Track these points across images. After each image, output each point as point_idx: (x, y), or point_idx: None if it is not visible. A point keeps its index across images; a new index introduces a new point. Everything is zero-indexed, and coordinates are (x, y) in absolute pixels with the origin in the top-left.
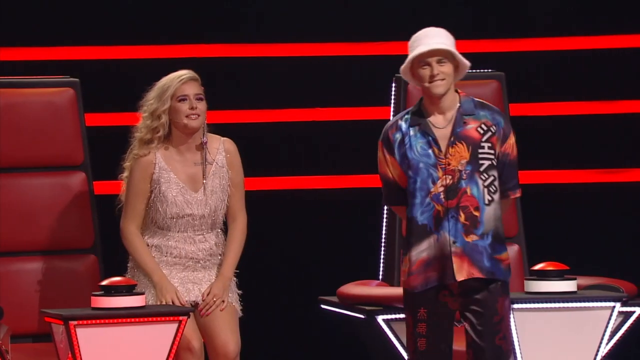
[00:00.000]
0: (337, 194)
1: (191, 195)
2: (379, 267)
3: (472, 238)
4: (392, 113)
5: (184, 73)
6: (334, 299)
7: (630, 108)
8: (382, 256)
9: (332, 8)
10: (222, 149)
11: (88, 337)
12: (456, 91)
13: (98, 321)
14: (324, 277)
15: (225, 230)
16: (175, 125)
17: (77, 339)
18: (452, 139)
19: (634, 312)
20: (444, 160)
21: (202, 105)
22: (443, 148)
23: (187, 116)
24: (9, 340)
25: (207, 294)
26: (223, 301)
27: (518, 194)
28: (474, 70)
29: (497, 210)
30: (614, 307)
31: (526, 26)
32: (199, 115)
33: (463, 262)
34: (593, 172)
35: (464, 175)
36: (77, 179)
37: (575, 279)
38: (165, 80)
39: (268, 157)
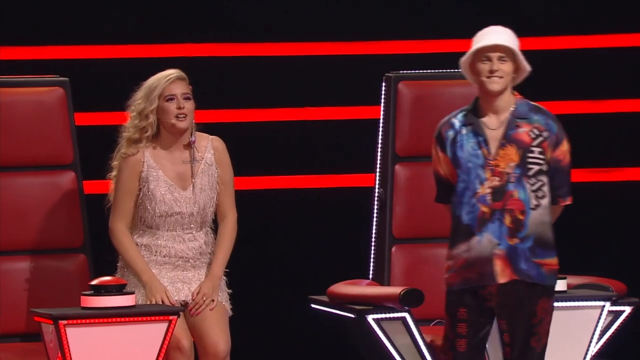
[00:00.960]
0: (327, 193)
1: (180, 193)
2: (369, 266)
3: (514, 241)
4: (382, 113)
5: (171, 72)
6: (324, 298)
7: (615, 107)
8: (372, 255)
9: (322, 7)
10: (210, 147)
11: (78, 337)
12: (513, 94)
13: (88, 321)
14: (314, 276)
15: (216, 228)
16: (163, 125)
17: (66, 338)
18: (503, 141)
19: (623, 311)
20: (492, 162)
21: (189, 105)
22: (493, 150)
23: (175, 116)
24: None
25: (197, 294)
26: (213, 300)
27: (568, 202)
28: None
29: (544, 215)
30: (604, 306)
31: (521, 25)
32: (186, 115)
33: (505, 265)
34: (583, 171)
35: (512, 178)
36: (67, 178)
37: (565, 278)
38: (152, 79)
39: (258, 157)
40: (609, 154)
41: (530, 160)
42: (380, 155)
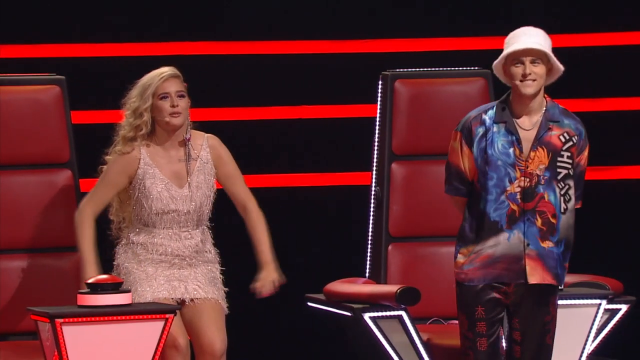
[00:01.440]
0: (323, 191)
1: (176, 191)
2: (366, 264)
3: (547, 244)
4: (378, 111)
5: (165, 70)
6: (321, 296)
7: (615, 106)
8: (368, 254)
9: (319, 6)
10: (206, 145)
11: (74, 335)
12: (544, 95)
13: (84, 319)
14: (311, 274)
15: (212, 227)
16: (157, 123)
17: (63, 336)
18: (535, 143)
19: (620, 309)
20: (523, 162)
21: (183, 103)
22: (525, 150)
23: (170, 114)
24: None
25: (262, 279)
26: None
27: (579, 205)
28: (461, 68)
29: (570, 219)
30: (600, 304)
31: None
32: (180, 113)
33: (537, 266)
34: None
35: (542, 180)
36: (63, 176)
37: None
38: (146, 78)
39: (254, 155)
40: (607, 152)
41: (560, 164)
42: (377, 154)
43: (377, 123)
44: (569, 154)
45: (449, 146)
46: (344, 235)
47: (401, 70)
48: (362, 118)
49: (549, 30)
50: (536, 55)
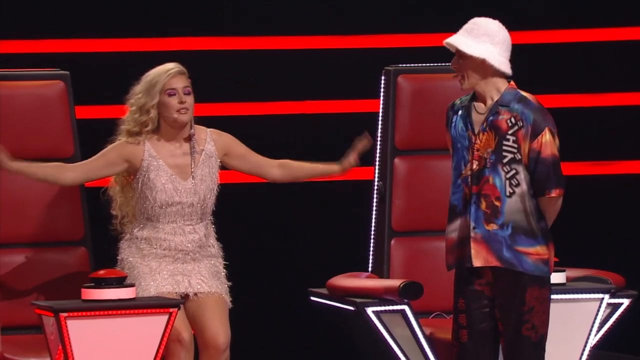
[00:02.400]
0: (326, 186)
1: (180, 184)
2: (369, 259)
3: (492, 227)
4: (381, 106)
5: (171, 67)
6: (324, 290)
7: (612, 101)
8: (371, 248)
9: (323, 2)
10: (210, 139)
11: (79, 329)
12: (508, 82)
13: (88, 313)
14: (314, 269)
15: (215, 222)
16: (164, 119)
17: (67, 331)
18: (484, 125)
19: (621, 303)
20: (475, 145)
21: (190, 99)
22: (476, 133)
23: (177, 111)
24: (0, 332)
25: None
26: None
27: (555, 194)
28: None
29: (521, 204)
30: (603, 298)
31: (519, 19)
32: (187, 110)
33: (481, 249)
34: (581, 164)
35: (488, 163)
36: None
37: (564, 270)
38: (152, 74)
39: (258, 150)
40: (607, 147)
41: (505, 147)
42: (380, 149)
43: (380, 118)
44: (514, 138)
45: None
46: (346, 230)
47: (404, 65)
48: (365, 113)
49: (549, 26)
50: (456, 51)
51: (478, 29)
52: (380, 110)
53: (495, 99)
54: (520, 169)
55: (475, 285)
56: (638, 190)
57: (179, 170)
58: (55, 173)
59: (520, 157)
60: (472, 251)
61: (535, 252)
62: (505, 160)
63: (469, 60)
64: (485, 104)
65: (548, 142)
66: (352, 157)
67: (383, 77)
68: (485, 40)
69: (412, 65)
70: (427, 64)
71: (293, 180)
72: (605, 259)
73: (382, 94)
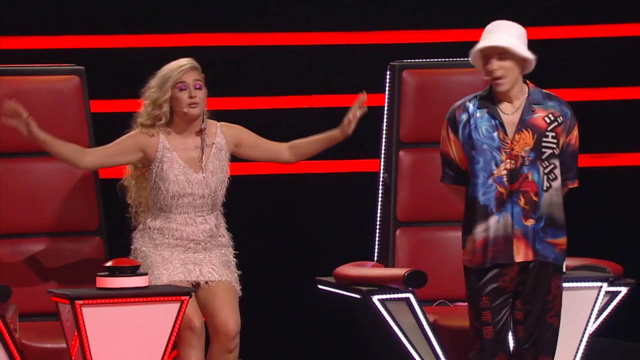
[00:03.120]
0: (333, 178)
1: (192, 176)
2: (374, 248)
3: (530, 222)
4: (386, 100)
5: (184, 63)
6: (331, 279)
7: (613, 95)
8: (377, 238)
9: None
10: (220, 132)
11: (93, 316)
12: (525, 82)
13: (103, 301)
14: (321, 258)
15: (225, 212)
16: (176, 113)
17: (82, 318)
18: (519, 126)
19: (619, 291)
20: (508, 145)
21: (201, 94)
22: (510, 134)
23: (188, 105)
24: (17, 319)
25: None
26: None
27: (575, 184)
28: (466, 59)
29: (555, 197)
30: (601, 287)
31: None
32: (198, 104)
33: (521, 245)
34: (583, 156)
35: (527, 161)
36: None
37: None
38: (166, 69)
39: None
40: (607, 139)
41: (545, 144)
42: (385, 142)
43: (385, 112)
44: (553, 134)
45: (441, 135)
46: (353, 221)
47: (408, 60)
48: (371, 107)
49: (551, 22)
50: (501, 50)
51: (512, 31)
52: (386, 104)
53: (522, 98)
54: (557, 163)
55: (500, 283)
56: (637, 182)
57: (191, 163)
58: (75, 154)
59: (558, 151)
60: (514, 248)
61: (561, 242)
62: (544, 156)
63: (515, 62)
64: (511, 103)
65: (577, 136)
66: (349, 117)
67: (388, 72)
68: (522, 42)
69: (417, 60)
70: (431, 60)
71: (305, 157)
72: (604, 248)
73: (387, 88)
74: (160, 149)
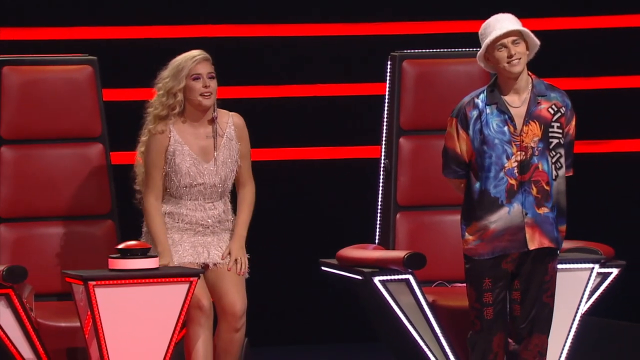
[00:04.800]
0: (336, 164)
1: (203, 166)
2: (376, 231)
3: (543, 210)
4: (387, 89)
5: (197, 53)
6: (334, 261)
7: (607, 84)
8: (378, 222)
9: None
10: (231, 123)
11: (106, 297)
12: (529, 74)
13: (115, 282)
14: (325, 240)
15: (233, 198)
16: (189, 103)
17: (95, 298)
18: (526, 118)
19: (611, 273)
20: (518, 138)
21: (213, 84)
22: (518, 126)
23: (201, 94)
24: (33, 299)
25: (227, 254)
26: (237, 260)
27: (571, 173)
28: (464, 49)
29: (561, 185)
30: (593, 268)
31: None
32: (211, 94)
33: (535, 232)
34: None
35: (536, 151)
36: (96, 149)
37: None
38: (179, 60)
39: (274, 130)
40: (601, 126)
41: (551, 134)
42: (386, 129)
43: (386, 101)
44: (558, 124)
45: (446, 132)
46: (355, 205)
47: (409, 51)
48: (372, 96)
49: (552, 13)
50: (516, 35)
51: (517, 20)
52: (387, 93)
53: (527, 90)
54: (562, 151)
55: (502, 265)
56: (627, 167)
57: (202, 153)
58: (163, 219)
59: (563, 140)
60: (527, 235)
61: (563, 230)
62: (551, 146)
63: (524, 47)
64: (518, 95)
65: (574, 126)
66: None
67: (389, 62)
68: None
69: (416, 51)
70: (430, 50)
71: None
72: (596, 231)
73: (388, 78)
74: (172, 143)
